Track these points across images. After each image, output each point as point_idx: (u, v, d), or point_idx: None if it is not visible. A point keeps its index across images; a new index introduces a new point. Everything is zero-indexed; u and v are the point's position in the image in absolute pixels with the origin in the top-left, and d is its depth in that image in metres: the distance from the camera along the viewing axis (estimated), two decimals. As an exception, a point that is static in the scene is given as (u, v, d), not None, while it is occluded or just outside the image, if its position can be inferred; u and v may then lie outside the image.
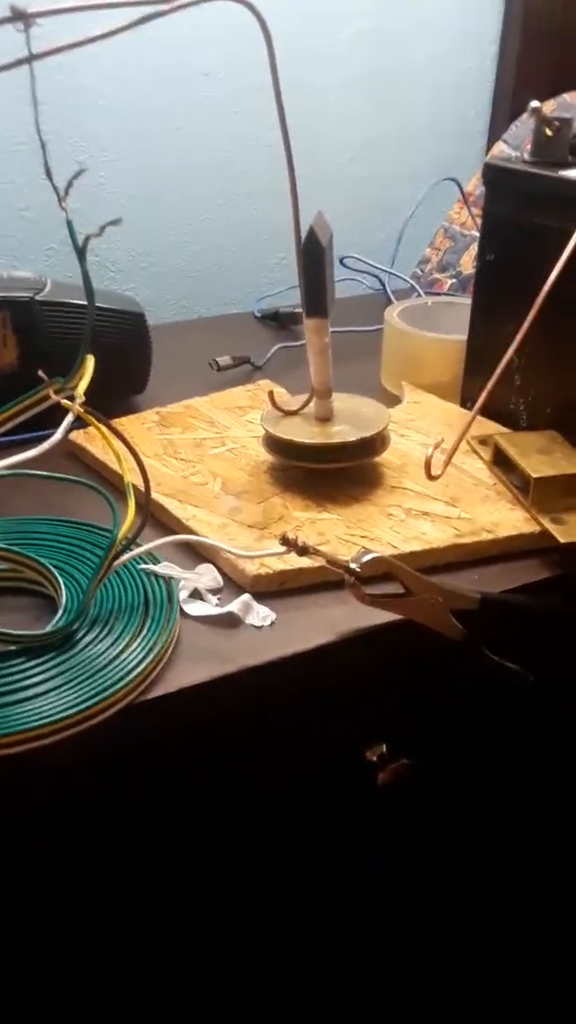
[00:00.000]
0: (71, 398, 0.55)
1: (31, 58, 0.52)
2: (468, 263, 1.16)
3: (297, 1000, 0.80)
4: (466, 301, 0.86)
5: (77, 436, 0.78)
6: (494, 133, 1.33)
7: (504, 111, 1.33)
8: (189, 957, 0.71)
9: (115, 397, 0.86)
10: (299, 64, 1.15)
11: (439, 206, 1.24)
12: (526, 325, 0.68)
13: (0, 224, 1.06)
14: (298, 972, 0.79)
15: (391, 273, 1.14)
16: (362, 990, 0.84)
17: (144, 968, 0.69)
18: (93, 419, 0.55)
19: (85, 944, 0.64)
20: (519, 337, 0.69)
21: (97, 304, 0.81)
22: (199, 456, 0.76)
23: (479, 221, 1.09)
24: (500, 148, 1.20)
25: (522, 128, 1.20)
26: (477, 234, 1.19)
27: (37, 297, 0.79)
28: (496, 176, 0.75)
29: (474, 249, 1.16)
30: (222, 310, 1.21)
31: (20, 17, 0.51)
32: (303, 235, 0.62)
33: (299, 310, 1.05)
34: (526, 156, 0.73)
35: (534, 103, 0.68)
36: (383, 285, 1.14)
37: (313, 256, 0.62)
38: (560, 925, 0.93)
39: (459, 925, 0.87)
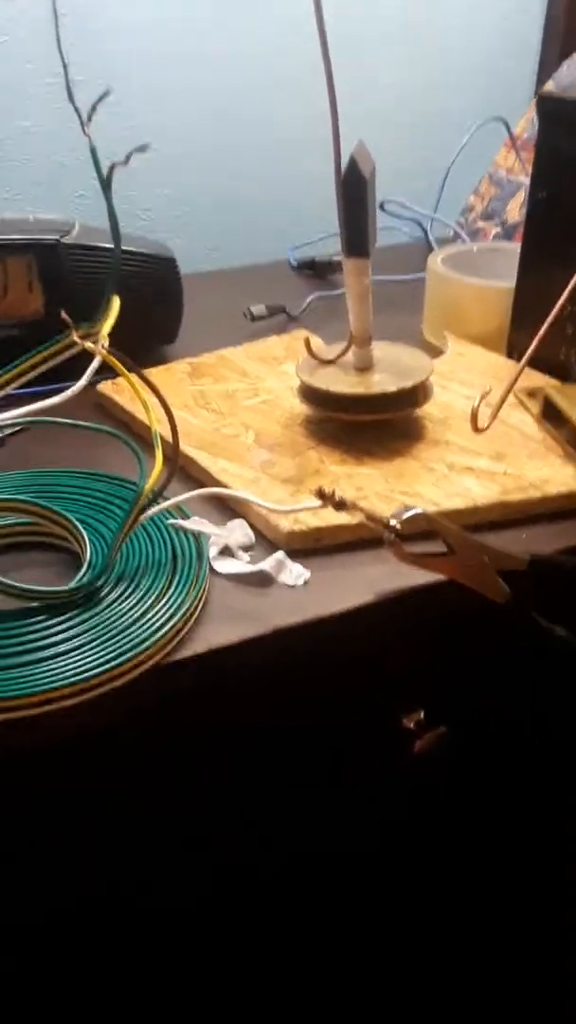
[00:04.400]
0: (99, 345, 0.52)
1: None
2: (515, 211, 1.11)
3: (325, 965, 0.79)
4: (515, 247, 0.81)
5: (105, 387, 0.75)
6: (544, 75, 1.26)
7: (554, 51, 1.26)
8: (214, 926, 0.69)
9: (145, 347, 0.83)
10: (340, 2, 1.09)
11: (485, 151, 1.18)
12: (581, 268, 0.64)
13: (30, 170, 1.03)
14: (330, 939, 0.77)
15: (434, 218, 1.09)
16: (388, 960, 0.82)
17: (168, 935, 0.67)
18: (117, 362, 0.52)
19: (109, 909, 0.62)
20: (573, 283, 0.65)
21: (126, 248, 0.78)
22: (231, 408, 0.73)
23: (528, 166, 1.03)
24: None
25: (574, 68, 1.14)
26: (525, 180, 1.13)
27: (63, 240, 0.75)
28: (552, 107, 0.70)
29: (521, 196, 1.11)
30: (256, 260, 1.17)
31: None
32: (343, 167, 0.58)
33: (337, 259, 1.01)
34: (585, 85, 0.68)
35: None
36: (425, 233, 1.09)
37: (354, 188, 0.57)
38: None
39: (496, 898, 0.85)
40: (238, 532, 0.60)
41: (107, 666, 0.49)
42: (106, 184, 0.51)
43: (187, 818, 0.61)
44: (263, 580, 0.57)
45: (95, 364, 0.53)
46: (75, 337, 0.53)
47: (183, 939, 0.68)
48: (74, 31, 0.98)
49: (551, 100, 0.70)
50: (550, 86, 1.15)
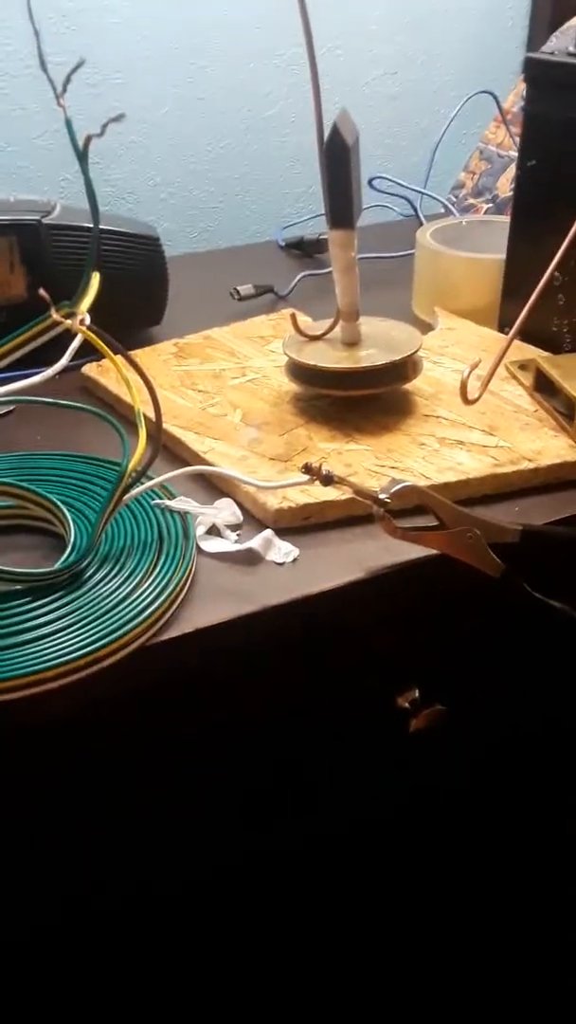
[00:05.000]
0: (80, 322, 0.51)
1: None
2: (505, 186, 1.09)
3: (319, 953, 0.78)
4: (504, 220, 0.80)
5: (90, 369, 0.74)
6: (533, 48, 1.25)
7: (542, 24, 1.24)
8: (201, 916, 0.68)
9: (130, 329, 0.82)
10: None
11: (474, 127, 1.17)
12: (570, 236, 0.63)
13: (13, 154, 1.01)
14: (309, 934, 0.76)
15: (423, 193, 1.07)
16: (376, 954, 0.81)
17: (162, 923, 0.66)
18: (97, 338, 0.50)
19: (86, 900, 0.61)
20: (562, 250, 0.64)
21: (108, 227, 0.77)
22: (218, 387, 0.72)
23: (518, 140, 1.02)
24: (540, 60, 1.12)
25: (564, 39, 1.12)
26: (515, 154, 1.12)
27: (45, 220, 0.74)
28: (539, 71, 0.68)
29: (511, 171, 1.09)
30: (245, 242, 1.15)
31: None
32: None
33: (325, 236, 1.00)
34: (572, 48, 0.67)
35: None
36: (415, 209, 1.07)
37: (337, 157, 0.56)
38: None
39: (498, 878, 0.84)
40: (225, 511, 0.59)
41: (92, 647, 0.48)
42: (82, 156, 0.50)
43: (181, 803, 0.60)
44: (251, 559, 0.56)
45: (76, 342, 0.52)
46: (55, 315, 0.51)
47: (180, 927, 0.67)
48: (55, 18, 0.96)
49: (538, 64, 0.68)
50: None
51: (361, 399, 0.67)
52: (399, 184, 1.06)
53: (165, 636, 0.50)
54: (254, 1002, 0.75)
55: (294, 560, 0.56)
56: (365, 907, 0.77)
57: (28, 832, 0.55)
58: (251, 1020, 0.76)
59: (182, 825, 0.61)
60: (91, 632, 0.49)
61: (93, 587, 0.52)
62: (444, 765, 0.70)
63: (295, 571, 0.55)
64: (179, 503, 0.57)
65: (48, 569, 0.52)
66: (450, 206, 1.08)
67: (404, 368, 0.67)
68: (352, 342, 0.67)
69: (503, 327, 0.80)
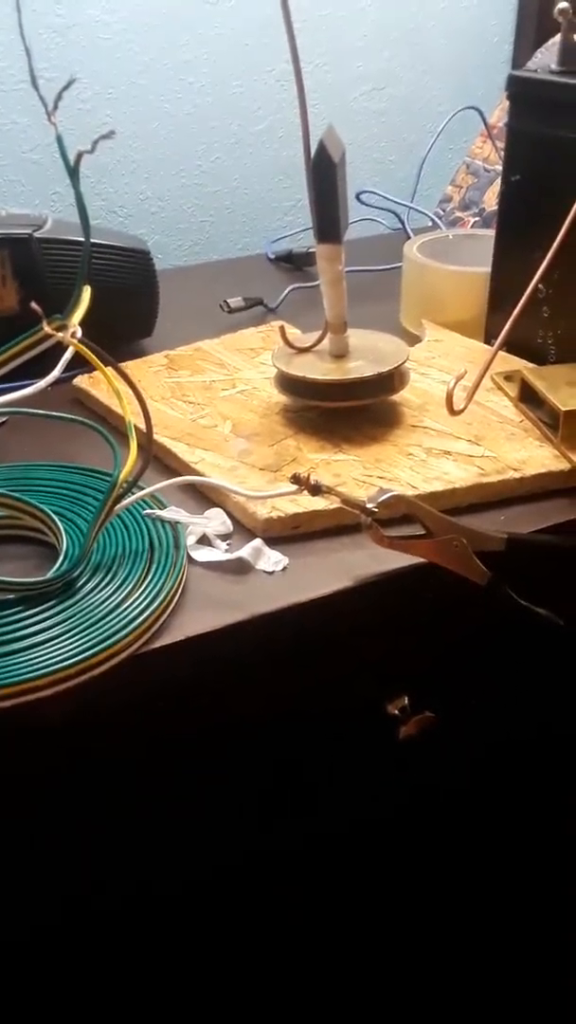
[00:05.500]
0: (71, 335, 0.52)
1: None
2: (492, 199, 1.11)
3: (311, 959, 0.78)
4: (490, 233, 0.81)
5: (82, 381, 0.75)
6: (518, 64, 1.27)
7: (528, 38, 1.26)
8: (193, 922, 0.68)
9: (122, 341, 0.83)
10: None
11: (460, 142, 1.18)
12: (553, 249, 0.64)
13: (5, 168, 1.02)
14: (309, 934, 0.77)
15: (411, 208, 1.09)
16: (375, 955, 0.82)
17: (151, 922, 0.67)
18: (88, 351, 0.51)
19: (86, 900, 0.61)
20: (545, 263, 0.65)
21: (100, 241, 0.78)
22: (208, 399, 0.73)
23: (504, 155, 1.04)
24: (525, 76, 1.14)
25: (547, 56, 1.14)
26: (501, 168, 1.14)
27: (36, 234, 0.75)
28: (521, 88, 0.69)
29: (498, 185, 1.11)
30: (235, 255, 1.17)
31: None
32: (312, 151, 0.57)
33: (314, 249, 1.01)
34: (554, 66, 0.68)
35: (563, 3, 0.63)
36: (402, 223, 1.08)
37: (324, 173, 0.57)
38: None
39: (494, 881, 0.85)
40: (216, 521, 0.59)
41: (84, 655, 0.48)
42: (73, 172, 0.51)
43: (181, 803, 0.61)
44: (241, 568, 0.57)
45: (68, 354, 0.52)
46: (47, 328, 0.52)
47: (180, 927, 0.67)
48: (47, 34, 0.97)
49: (520, 81, 0.70)
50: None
51: (349, 410, 0.68)
52: (387, 198, 1.07)
53: (156, 644, 0.51)
54: (254, 1002, 0.75)
55: (284, 569, 0.56)
56: (365, 907, 0.77)
57: (28, 832, 0.56)
58: (251, 1020, 0.77)
59: (182, 825, 0.61)
60: (83, 640, 0.49)
61: (85, 596, 0.53)
62: (441, 767, 0.71)
63: (284, 580, 0.56)
64: (170, 513, 0.58)
65: (40, 578, 0.52)
66: (437, 220, 1.09)
67: (391, 380, 0.68)
68: (340, 354, 0.68)
69: (489, 339, 0.81)
